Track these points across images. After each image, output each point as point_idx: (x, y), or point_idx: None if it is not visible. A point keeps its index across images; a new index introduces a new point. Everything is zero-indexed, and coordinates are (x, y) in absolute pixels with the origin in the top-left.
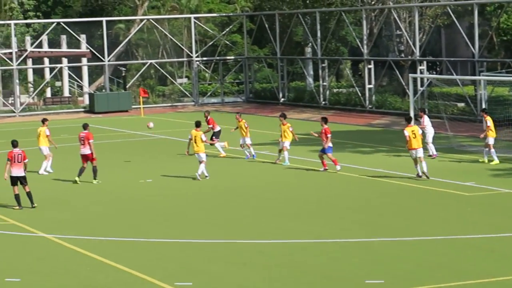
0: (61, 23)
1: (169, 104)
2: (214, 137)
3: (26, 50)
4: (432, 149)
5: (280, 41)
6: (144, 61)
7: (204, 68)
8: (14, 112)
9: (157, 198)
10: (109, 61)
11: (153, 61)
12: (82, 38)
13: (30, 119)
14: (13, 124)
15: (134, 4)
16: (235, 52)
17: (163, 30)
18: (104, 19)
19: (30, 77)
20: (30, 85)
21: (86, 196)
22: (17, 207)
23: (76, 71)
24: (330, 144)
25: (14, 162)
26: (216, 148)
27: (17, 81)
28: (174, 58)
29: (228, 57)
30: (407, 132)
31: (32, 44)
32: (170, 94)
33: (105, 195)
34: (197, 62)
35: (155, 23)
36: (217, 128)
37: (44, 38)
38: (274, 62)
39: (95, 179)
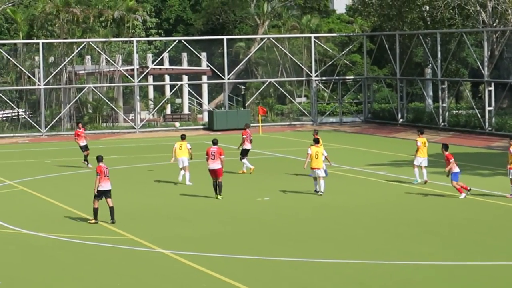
0: (182, 41)
1: (288, 123)
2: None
3: (147, 67)
4: None
5: (400, 61)
6: (263, 79)
7: (323, 87)
8: (134, 128)
9: (273, 216)
10: (229, 79)
11: (272, 79)
12: (203, 56)
13: (150, 135)
14: (133, 140)
15: (254, 23)
16: (354, 72)
17: (283, 49)
18: (225, 37)
19: (151, 93)
20: (150, 101)
21: (204, 212)
22: (93, 221)
23: (196, 89)
24: (456, 170)
25: (103, 176)
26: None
27: (138, 97)
28: (293, 77)
29: (347, 77)
30: None
31: (153, 61)
32: (288, 113)
33: (223, 212)
34: (316, 81)
35: (275, 42)
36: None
37: (165, 55)
38: (393, 82)
39: (220, 194)
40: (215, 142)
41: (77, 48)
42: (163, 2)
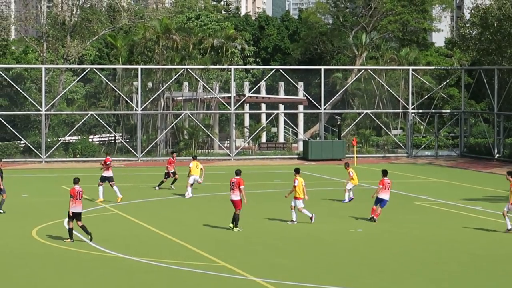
0: (280, 70)
1: (382, 155)
2: None
3: (244, 95)
4: None
5: (497, 96)
6: (359, 110)
7: (419, 120)
8: (229, 155)
9: (367, 247)
10: (325, 109)
11: (368, 111)
12: (300, 85)
13: (245, 163)
14: (227, 167)
15: (352, 54)
16: (451, 105)
17: (380, 80)
18: (322, 67)
19: (247, 121)
20: (246, 129)
21: (296, 241)
22: (69, 240)
23: (292, 118)
24: None
25: (76, 199)
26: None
27: (234, 125)
28: (390, 109)
29: (444, 110)
30: None
31: (250, 90)
32: (384, 145)
33: (317, 242)
34: (413, 114)
35: (372, 74)
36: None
37: (262, 84)
38: (490, 117)
39: (236, 226)
40: (237, 173)
41: (175, 75)
42: (262, 31)
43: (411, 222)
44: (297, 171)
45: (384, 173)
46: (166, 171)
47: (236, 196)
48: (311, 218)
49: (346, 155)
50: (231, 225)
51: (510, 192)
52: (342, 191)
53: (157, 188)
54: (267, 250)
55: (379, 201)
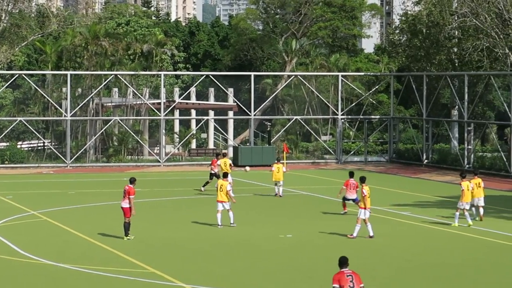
0: (210, 76)
1: (312, 161)
2: None
3: (174, 101)
4: None
5: (426, 102)
6: (289, 116)
7: (348, 126)
8: (159, 161)
9: (297, 254)
10: (255, 115)
11: (298, 117)
12: (230, 91)
13: (174, 169)
14: (157, 173)
15: (282, 60)
16: (380, 111)
17: (310, 86)
18: (252, 73)
19: (177, 127)
20: (176, 135)
21: (227, 247)
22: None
23: (222, 124)
24: None
25: None
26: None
27: (164, 131)
28: (320, 115)
29: (373, 116)
30: None
31: (180, 96)
32: (313, 151)
33: (246, 248)
34: (342, 120)
35: (302, 80)
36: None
37: (192, 90)
38: (419, 123)
39: (126, 235)
40: (131, 181)
41: (105, 81)
42: (192, 37)
43: (340, 228)
44: (227, 170)
45: (351, 174)
46: (211, 171)
47: (125, 204)
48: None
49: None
50: (125, 237)
51: (462, 191)
52: (268, 195)
53: (202, 189)
54: (198, 256)
55: (348, 200)
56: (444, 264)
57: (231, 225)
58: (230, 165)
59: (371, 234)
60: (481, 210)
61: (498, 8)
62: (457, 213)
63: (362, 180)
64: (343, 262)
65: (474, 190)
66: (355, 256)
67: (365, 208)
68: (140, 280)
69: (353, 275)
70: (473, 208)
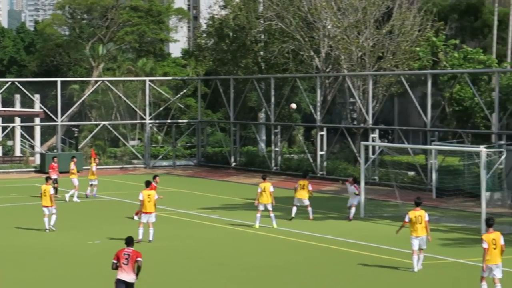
0: (16, 83)
1: (120, 166)
2: None
3: None
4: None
5: (234, 105)
6: (97, 122)
7: (157, 130)
8: None
9: (104, 260)
10: (62, 121)
11: (106, 122)
12: (36, 98)
13: None
14: None
15: (89, 66)
16: (188, 115)
17: (117, 92)
18: (59, 79)
19: None
20: None
21: (34, 254)
22: None
23: (29, 131)
24: None
25: None
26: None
27: None
28: (127, 120)
29: (181, 121)
30: None
31: None
32: (121, 156)
33: (53, 254)
34: (150, 125)
35: (109, 85)
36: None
37: None
38: (227, 126)
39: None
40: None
41: None
42: None
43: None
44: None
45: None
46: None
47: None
48: None
49: (84, 167)
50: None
51: (258, 193)
52: (84, 203)
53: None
54: (8, 264)
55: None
56: (254, 266)
57: (51, 228)
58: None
59: (150, 238)
60: (310, 210)
61: (303, 11)
62: (258, 215)
63: (147, 184)
64: (127, 241)
65: (298, 190)
66: (166, 261)
67: (149, 213)
68: None
69: (131, 253)
70: (294, 208)
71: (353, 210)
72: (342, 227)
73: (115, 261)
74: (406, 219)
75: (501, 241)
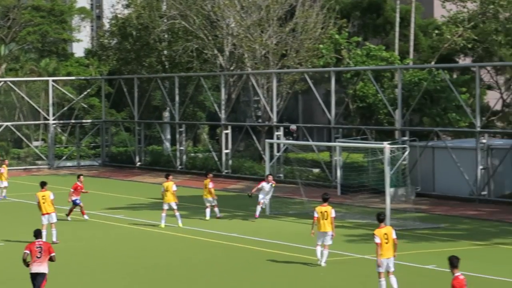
0: None
1: (24, 167)
2: None
3: None
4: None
5: (138, 105)
6: None
7: (60, 131)
8: None
9: (6, 263)
10: None
11: (9, 123)
12: None
13: None
14: None
15: None
16: (92, 115)
17: (20, 92)
18: None
19: None
20: None
21: None
22: None
23: None
24: None
25: None
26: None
27: None
28: (31, 121)
29: (85, 121)
30: None
31: None
32: (25, 157)
33: None
34: (54, 125)
35: (12, 86)
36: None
37: None
38: (131, 125)
39: None
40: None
41: None
42: None
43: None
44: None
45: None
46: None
47: None
48: None
49: None
50: None
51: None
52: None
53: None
54: None
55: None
56: (160, 265)
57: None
58: None
59: (54, 239)
60: (216, 210)
61: (206, 10)
62: (163, 214)
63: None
64: (35, 234)
65: (203, 190)
66: (71, 262)
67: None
68: None
69: (43, 246)
70: (207, 210)
71: (259, 207)
72: (248, 225)
73: (27, 251)
74: (315, 215)
75: (393, 235)
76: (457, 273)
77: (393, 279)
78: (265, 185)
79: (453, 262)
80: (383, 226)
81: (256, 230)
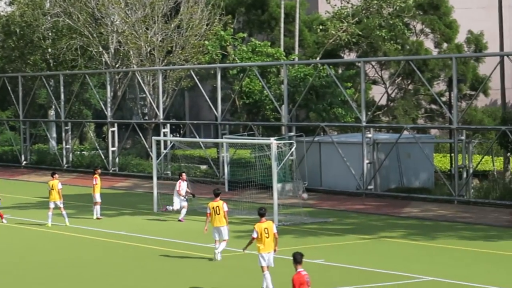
0: None
1: None
2: None
3: None
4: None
5: (23, 103)
6: None
7: None
8: None
9: None
10: None
11: None
12: None
13: None
14: None
15: None
16: None
17: None
18: None
19: None
20: None
21: None
22: None
23: None
24: None
25: None
26: None
27: None
28: None
29: None
30: None
31: None
32: None
33: None
34: None
35: None
36: None
37: None
38: (16, 124)
39: None
40: None
41: None
42: None
43: None
44: None
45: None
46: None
47: None
48: None
49: None
50: None
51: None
52: None
53: None
54: None
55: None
56: (45, 263)
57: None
58: None
59: None
60: (98, 208)
61: (90, 7)
62: (50, 213)
63: None
64: None
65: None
66: None
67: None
68: None
69: None
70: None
71: (184, 210)
72: (136, 223)
73: None
74: (208, 211)
75: (273, 229)
76: (300, 269)
77: (267, 275)
78: (183, 184)
79: (297, 258)
80: (264, 220)
81: (145, 228)
